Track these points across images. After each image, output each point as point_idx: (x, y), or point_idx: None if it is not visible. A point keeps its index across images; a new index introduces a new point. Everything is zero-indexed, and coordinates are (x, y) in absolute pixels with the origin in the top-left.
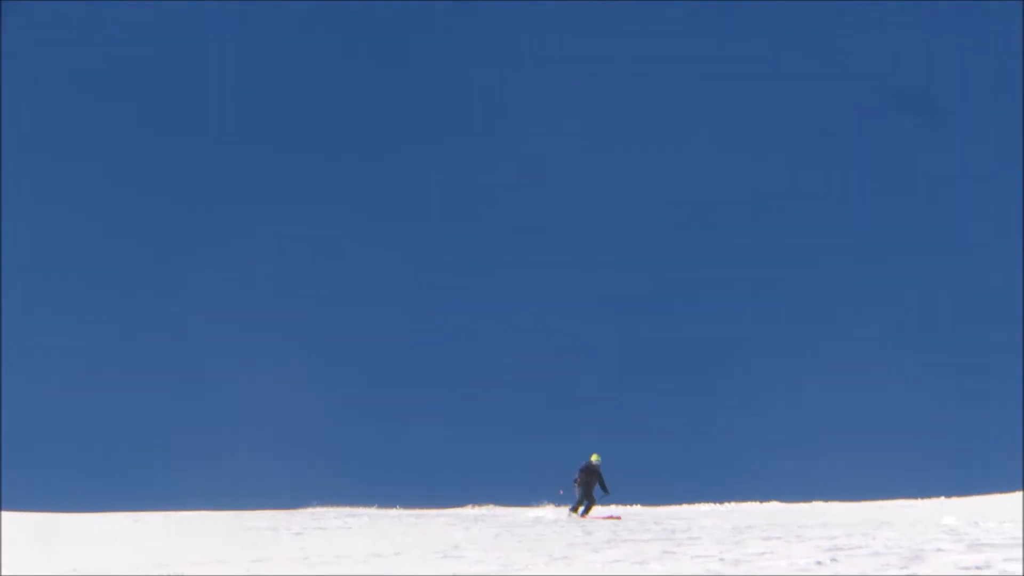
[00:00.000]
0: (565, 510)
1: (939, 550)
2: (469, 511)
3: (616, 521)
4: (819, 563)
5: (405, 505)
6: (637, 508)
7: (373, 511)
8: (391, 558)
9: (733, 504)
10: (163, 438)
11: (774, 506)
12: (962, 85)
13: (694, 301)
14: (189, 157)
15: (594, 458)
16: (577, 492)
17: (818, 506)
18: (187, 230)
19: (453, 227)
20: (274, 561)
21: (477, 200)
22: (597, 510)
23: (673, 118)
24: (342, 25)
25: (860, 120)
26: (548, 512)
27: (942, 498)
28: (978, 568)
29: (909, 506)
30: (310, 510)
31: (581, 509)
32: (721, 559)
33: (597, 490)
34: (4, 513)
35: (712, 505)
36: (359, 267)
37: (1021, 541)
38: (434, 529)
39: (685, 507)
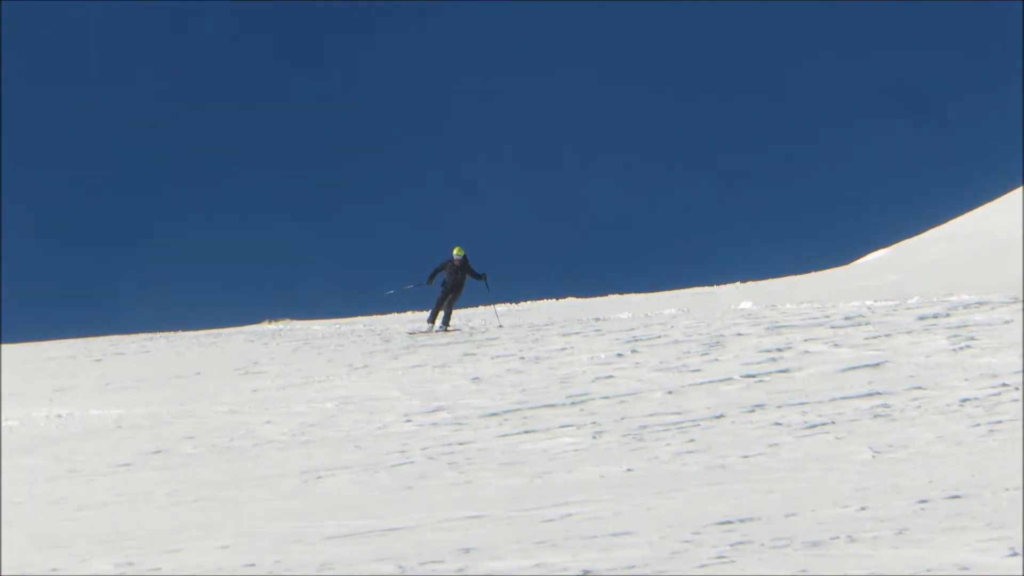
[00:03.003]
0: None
1: (739, 335)
2: (266, 327)
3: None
4: (620, 355)
5: (201, 327)
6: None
7: (170, 334)
8: (192, 378)
9: (529, 303)
10: None
11: (570, 302)
12: (962, 85)
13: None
14: None
15: (456, 252)
16: (440, 296)
17: (615, 299)
18: None
19: None
20: (77, 390)
21: None
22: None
23: (672, 117)
24: None
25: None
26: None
27: (737, 283)
28: (779, 349)
29: (706, 293)
30: (108, 337)
31: (441, 318)
32: (521, 357)
33: (470, 289)
34: None
35: (508, 305)
36: None
37: (820, 321)
38: (233, 347)
39: (480, 308)
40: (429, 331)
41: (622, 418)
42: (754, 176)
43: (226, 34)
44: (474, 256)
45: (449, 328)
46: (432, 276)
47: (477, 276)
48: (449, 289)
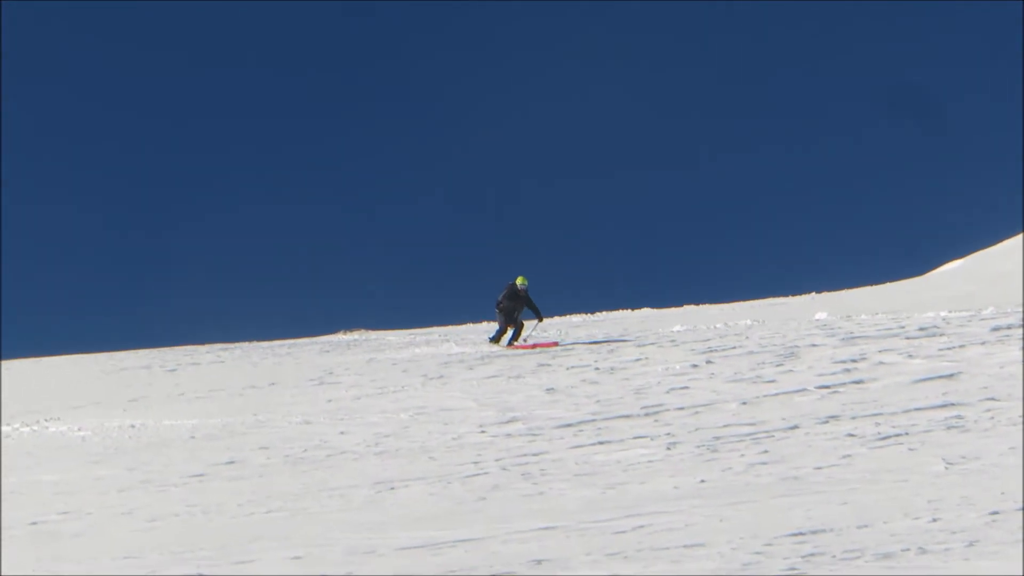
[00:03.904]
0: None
1: (813, 345)
2: (341, 337)
3: (553, 348)
4: (695, 366)
5: (276, 337)
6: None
7: (246, 344)
8: (266, 388)
9: (604, 313)
10: (20, 284)
11: (646, 313)
12: (962, 85)
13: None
14: None
15: (519, 281)
16: (500, 320)
17: (690, 310)
18: None
19: None
20: (150, 399)
21: None
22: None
23: (673, 116)
24: None
25: (859, 119)
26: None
27: (813, 294)
28: (854, 360)
29: (781, 304)
30: (183, 347)
31: (507, 337)
32: (596, 368)
33: (526, 314)
34: None
35: (583, 316)
36: None
37: (895, 332)
38: (308, 357)
39: (556, 319)
40: (495, 344)
41: (696, 429)
42: (831, 185)
43: (290, 35)
44: (541, 275)
45: (507, 344)
46: (501, 303)
47: (536, 311)
48: (506, 314)
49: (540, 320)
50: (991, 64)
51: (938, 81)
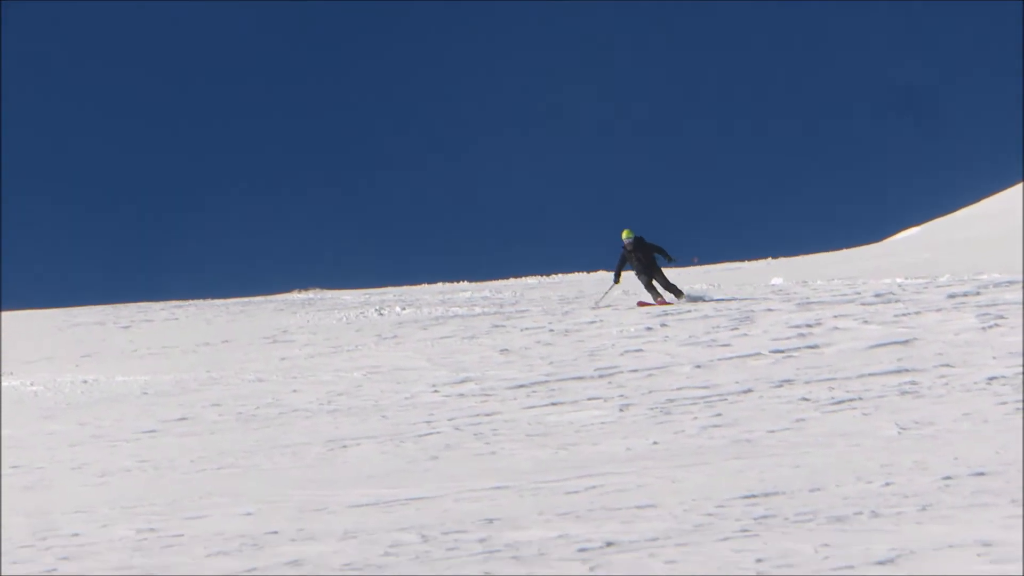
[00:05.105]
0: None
1: (769, 310)
2: (295, 296)
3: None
4: (649, 329)
5: (231, 295)
6: (464, 284)
7: (200, 302)
8: (219, 346)
9: (560, 275)
10: None
11: (602, 275)
12: (962, 85)
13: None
14: None
15: (625, 235)
16: (641, 280)
17: None
18: None
19: None
20: (103, 355)
21: None
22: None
23: (675, 115)
24: None
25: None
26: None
27: (769, 259)
28: (808, 326)
29: (737, 268)
30: (136, 304)
31: (668, 295)
32: (551, 330)
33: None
34: None
35: (539, 278)
36: None
37: (850, 298)
38: (262, 316)
39: (512, 280)
40: (664, 301)
41: (649, 391)
42: (789, 153)
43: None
44: (498, 237)
45: (680, 297)
46: (618, 273)
47: (664, 254)
48: (640, 273)
49: (669, 259)
50: (989, 62)
51: (927, 75)
